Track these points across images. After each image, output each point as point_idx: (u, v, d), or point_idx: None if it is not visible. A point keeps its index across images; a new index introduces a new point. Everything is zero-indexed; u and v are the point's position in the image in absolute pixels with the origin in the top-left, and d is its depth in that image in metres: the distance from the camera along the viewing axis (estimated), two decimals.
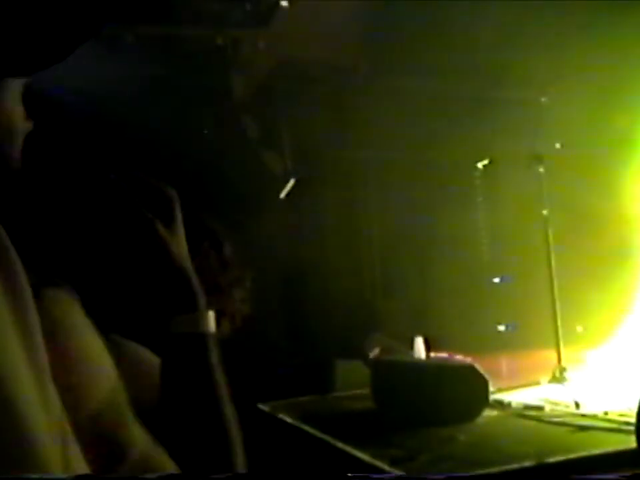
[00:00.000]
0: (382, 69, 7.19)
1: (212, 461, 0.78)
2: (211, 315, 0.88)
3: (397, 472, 3.28)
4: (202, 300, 0.88)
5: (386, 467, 3.35)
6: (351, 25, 6.56)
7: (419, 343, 5.41)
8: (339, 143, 7.29)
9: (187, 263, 0.88)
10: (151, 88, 6.31)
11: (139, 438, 0.64)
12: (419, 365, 5.13)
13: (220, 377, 0.86)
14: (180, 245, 0.88)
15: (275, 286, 6.69)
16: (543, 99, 6.00)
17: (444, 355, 5.53)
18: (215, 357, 0.87)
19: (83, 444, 0.57)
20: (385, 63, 7.11)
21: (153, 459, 0.65)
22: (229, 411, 0.85)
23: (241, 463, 0.81)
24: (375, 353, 6.17)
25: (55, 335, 0.60)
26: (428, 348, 5.40)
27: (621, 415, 3.98)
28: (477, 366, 4.57)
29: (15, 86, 0.71)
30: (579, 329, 6.53)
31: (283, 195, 7.11)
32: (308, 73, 6.97)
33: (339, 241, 7.35)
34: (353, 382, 5.47)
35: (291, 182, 7.12)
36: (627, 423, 3.66)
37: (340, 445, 3.74)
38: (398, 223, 7.48)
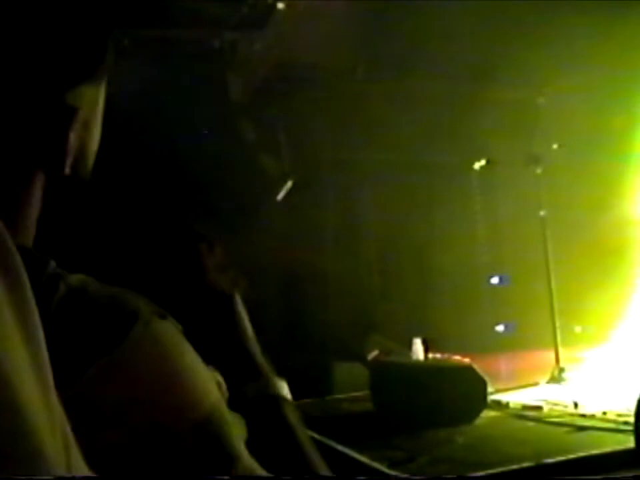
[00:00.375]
0: (378, 70, 7.19)
1: None
2: (283, 383, 0.94)
3: (396, 474, 3.28)
4: (266, 368, 0.94)
5: (385, 469, 3.35)
6: (348, 27, 6.57)
7: (418, 344, 5.42)
8: (336, 145, 7.29)
9: (248, 339, 0.95)
10: (148, 90, 6.32)
11: (242, 450, 0.66)
12: (417, 367, 5.13)
13: (303, 435, 0.89)
14: (242, 327, 0.95)
15: (273, 288, 6.69)
16: (540, 100, 6.00)
17: (442, 355, 5.53)
18: (293, 417, 0.91)
19: (193, 452, 0.60)
20: (381, 65, 7.12)
21: (256, 472, 0.67)
22: (320, 465, 0.89)
23: None
24: (373, 354, 6.17)
25: (166, 350, 0.63)
26: (426, 349, 5.41)
27: (620, 415, 3.98)
28: (476, 367, 4.58)
29: (102, 101, 0.74)
30: (578, 329, 6.54)
31: (280, 197, 7.11)
32: (305, 75, 6.98)
33: (336, 243, 7.35)
34: (351, 384, 5.46)
35: (288, 184, 7.13)
36: (626, 423, 3.67)
37: (339, 447, 3.74)
38: (396, 224, 7.49)
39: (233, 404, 0.87)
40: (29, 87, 0.64)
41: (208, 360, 0.91)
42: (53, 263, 0.61)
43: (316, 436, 3.98)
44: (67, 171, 0.69)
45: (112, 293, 0.63)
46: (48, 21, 0.64)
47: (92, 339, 0.56)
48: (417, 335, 5.52)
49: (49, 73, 0.65)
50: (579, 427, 3.97)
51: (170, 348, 0.63)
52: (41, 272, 0.59)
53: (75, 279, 0.62)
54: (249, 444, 0.84)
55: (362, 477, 3.30)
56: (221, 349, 0.92)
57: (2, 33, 0.62)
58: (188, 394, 0.62)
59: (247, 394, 0.90)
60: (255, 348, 0.94)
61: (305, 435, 0.90)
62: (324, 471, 0.88)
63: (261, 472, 0.67)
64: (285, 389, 0.93)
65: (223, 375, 0.89)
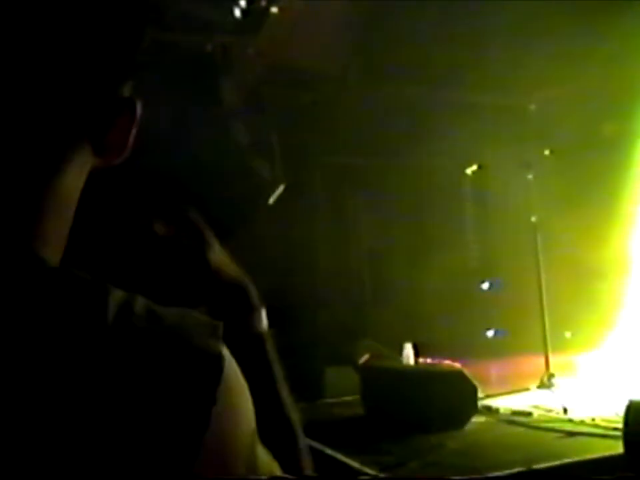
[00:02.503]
0: (371, 75, 7.21)
1: (278, 452, 0.83)
2: (264, 314, 0.98)
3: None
4: (256, 300, 0.96)
5: (376, 474, 3.35)
6: (341, 33, 6.58)
7: (408, 348, 5.43)
8: (328, 150, 7.30)
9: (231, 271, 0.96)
10: (140, 94, 6.30)
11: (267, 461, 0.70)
12: (408, 372, 5.14)
13: (279, 372, 0.94)
14: (221, 259, 0.96)
15: (263, 292, 6.68)
16: (531, 107, 6.02)
17: (433, 360, 5.54)
18: (272, 354, 0.96)
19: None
20: (373, 70, 7.13)
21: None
22: (290, 403, 0.93)
23: (305, 454, 0.88)
24: (364, 358, 6.17)
25: (240, 386, 0.66)
26: (417, 354, 5.42)
27: (609, 421, 4.01)
28: (466, 372, 4.58)
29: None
30: (568, 334, 6.56)
31: (271, 200, 7.11)
32: (297, 80, 6.98)
33: (328, 247, 7.35)
34: (342, 388, 5.46)
35: (280, 188, 7.13)
36: (615, 429, 3.69)
37: (330, 451, 3.74)
38: (387, 229, 7.50)
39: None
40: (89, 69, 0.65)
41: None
42: (115, 290, 0.60)
43: (306, 440, 3.98)
44: (114, 157, 0.69)
45: (179, 314, 0.63)
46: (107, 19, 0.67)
47: (189, 376, 0.58)
48: (407, 340, 5.53)
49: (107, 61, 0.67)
50: (569, 432, 3.99)
51: (241, 381, 0.66)
52: (103, 303, 0.58)
53: (140, 303, 0.61)
54: None
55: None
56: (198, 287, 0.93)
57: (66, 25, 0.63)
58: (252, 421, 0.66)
59: (237, 329, 0.91)
60: (243, 281, 0.97)
61: (280, 372, 0.94)
62: (296, 417, 0.93)
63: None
64: (266, 322, 0.98)
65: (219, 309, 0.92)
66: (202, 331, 0.62)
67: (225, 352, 0.62)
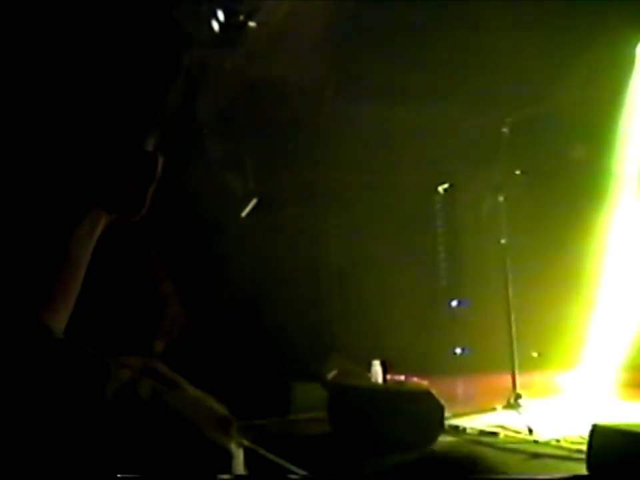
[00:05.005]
0: (346, 92, 7.25)
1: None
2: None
3: None
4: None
5: None
6: (318, 48, 6.62)
7: (377, 366, 5.44)
8: (302, 164, 7.31)
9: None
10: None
11: None
12: (375, 390, 5.15)
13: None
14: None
15: (233, 307, 6.66)
16: (503, 130, 6.08)
17: (401, 378, 5.56)
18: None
19: None
20: (350, 87, 7.17)
21: None
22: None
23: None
24: (332, 375, 6.17)
25: None
26: (385, 371, 5.43)
27: (573, 443, 4.04)
28: (434, 392, 4.60)
29: None
30: (534, 354, 6.61)
31: (244, 214, 7.10)
32: (273, 94, 7.00)
33: (298, 262, 7.34)
34: (309, 405, 5.44)
35: (253, 202, 7.12)
36: (579, 451, 3.72)
37: (296, 470, 3.72)
38: (357, 245, 7.52)
39: None
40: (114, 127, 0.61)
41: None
42: (121, 370, 0.56)
43: (273, 457, 3.96)
44: (131, 215, 0.65)
45: (192, 401, 0.59)
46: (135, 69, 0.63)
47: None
48: (376, 357, 5.54)
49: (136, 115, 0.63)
50: (533, 454, 4.02)
51: None
52: (102, 381, 0.54)
53: (147, 385, 0.56)
54: None
55: None
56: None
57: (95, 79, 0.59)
58: None
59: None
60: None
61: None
62: None
63: None
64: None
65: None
66: (212, 422, 0.57)
67: (233, 449, 0.57)
